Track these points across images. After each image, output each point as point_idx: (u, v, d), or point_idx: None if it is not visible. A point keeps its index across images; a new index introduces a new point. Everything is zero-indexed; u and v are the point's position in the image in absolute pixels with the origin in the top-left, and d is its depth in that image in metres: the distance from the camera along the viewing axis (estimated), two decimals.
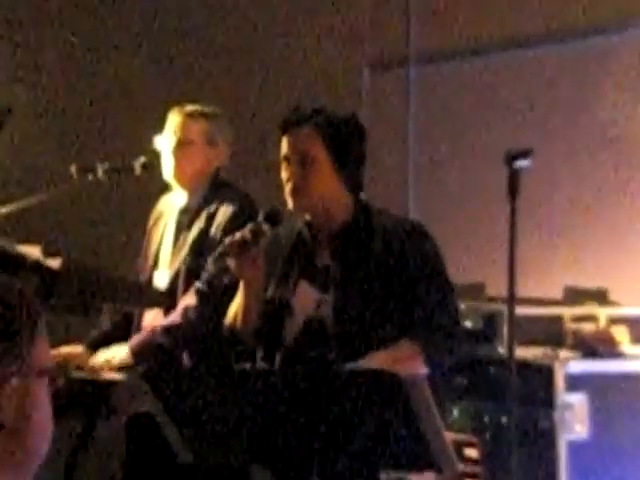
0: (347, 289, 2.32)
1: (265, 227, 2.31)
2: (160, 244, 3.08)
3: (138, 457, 3.09)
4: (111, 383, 2.81)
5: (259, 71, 4.28)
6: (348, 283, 2.32)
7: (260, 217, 2.34)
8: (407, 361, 2.24)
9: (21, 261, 2.35)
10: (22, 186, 3.43)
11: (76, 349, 3.01)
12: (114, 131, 4.20)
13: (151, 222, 3.16)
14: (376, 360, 2.20)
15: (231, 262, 2.33)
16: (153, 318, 3.00)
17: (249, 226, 2.33)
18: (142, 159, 3.05)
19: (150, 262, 3.07)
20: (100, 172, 3.03)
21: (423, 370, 2.26)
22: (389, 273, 2.31)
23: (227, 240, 2.32)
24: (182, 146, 2.99)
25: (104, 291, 2.61)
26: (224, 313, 2.46)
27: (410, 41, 4.02)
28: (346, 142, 2.37)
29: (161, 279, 3.02)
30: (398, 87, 4.04)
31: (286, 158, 2.38)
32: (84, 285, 2.48)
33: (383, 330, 2.28)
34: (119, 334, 3.04)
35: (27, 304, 1.19)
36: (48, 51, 4.45)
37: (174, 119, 3.03)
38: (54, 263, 2.42)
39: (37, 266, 2.36)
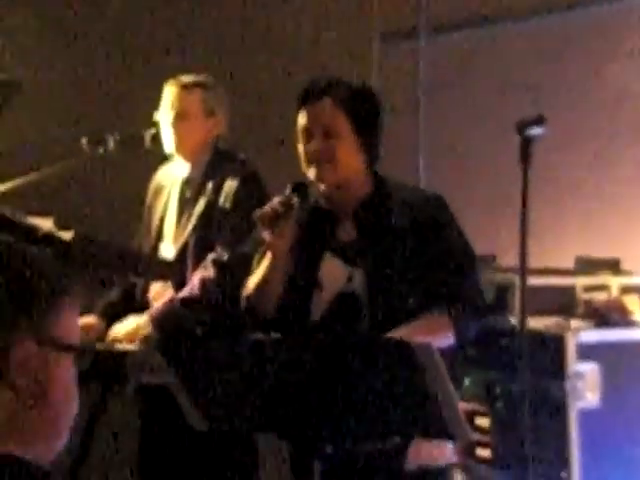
0: (377, 263, 2.31)
1: (294, 199, 2.30)
2: (163, 216, 3.09)
3: (152, 426, 3.12)
4: (124, 353, 2.83)
5: (269, 42, 4.25)
6: (377, 257, 2.32)
7: (288, 189, 2.32)
8: (438, 332, 2.27)
9: (33, 233, 2.36)
10: (33, 159, 3.44)
11: (90, 320, 3.02)
12: (124, 103, 4.19)
13: (150, 194, 3.15)
14: (408, 332, 2.22)
15: (265, 234, 2.30)
16: (159, 289, 3.01)
17: (279, 198, 2.31)
18: (152, 131, 3.05)
19: (154, 234, 3.07)
20: (111, 144, 3.04)
21: (451, 341, 2.28)
22: (414, 246, 2.31)
23: (258, 212, 2.30)
24: (181, 119, 2.99)
25: (115, 263, 2.62)
26: (242, 284, 2.46)
27: (420, 10, 3.98)
28: (368, 114, 2.37)
29: (167, 251, 3.03)
30: (408, 57, 4.01)
31: (306, 130, 2.35)
32: (96, 257, 2.49)
33: (413, 303, 2.30)
34: (127, 304, 3.05)
35: (49, 275, 1.17)
36: (58, 24, 4.44)
37: (170, 92, 3.03)
38: (66, 235, 2.43)
39: (49, 238, 2.37)
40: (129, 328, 2.93)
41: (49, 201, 3.55)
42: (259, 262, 2.42)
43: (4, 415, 1.13)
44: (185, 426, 2.11)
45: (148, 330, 2.91)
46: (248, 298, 2.40)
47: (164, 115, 3.02)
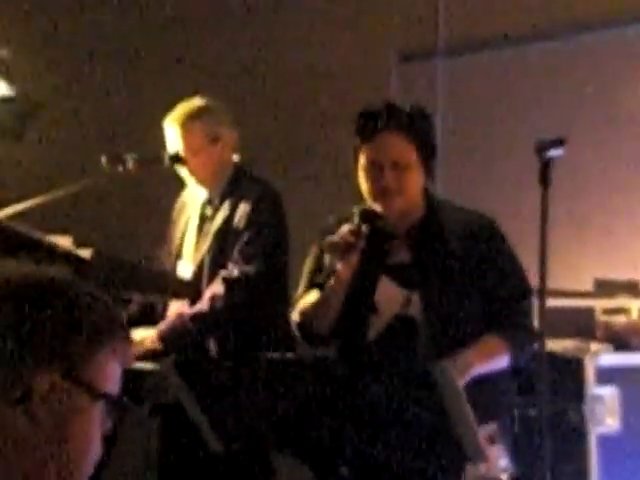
0: (434, 288, 2.33)
1: (364, 228, 2.29)
2: (183, 236, 3.11)
3: (169, 446, 3.11)
4: (142, 372, 2.83)
5: (285, 60, 4.27)
6: (434, 281, 2.33)
7: (356, 217, 2.32)
8: (497, 355, 2.30)
9: (52, 251, 2.37)
10: (53, 177, 3.46)
11: None
12: (144, 123, 4.22)
13: (175, 212, 3.18)
14: (469, 354, 2.25)
15: (337, 263, 2.31)
16: (179, 307, 3.02)
17: (349, 226, 2.31)
18: (171, 150, 3.07)
19: (173, 252, 3.09)
20: (130, 163, 3.05)
21: (505, 364, 2.32)
22: (470, 271, 2.33)
23: (327, 241, 2.30)
24: (191, 157, 3.01)
25: (134, 281, 2.63)
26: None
27: (439, 32, 3.99)
28: (429, 139, 2.38)
29: (185, 270, 3.04)
30: (426, 78, 4.02)
31: (375, 164, 2.34)
32: (114, 275, 2.50)
33: (469, 327, 2.31)
34: (145, 320, 3.06)
35: (97, 315, 1.12)
36: (80, 42, 4.47)
37: (171, 132, 3.03)
38: (85, 253, 2.44)
39: (68, 256, 2.37)
40: (135, 340, 2.94)
41: (68, 219, 3.56)
42: (310, 276, 2.42)
43: (17, 440, 1.08)
44: (202, 446, 2.10)
45: (154, 344, 2.92)
46: (303, 314, 2.41)
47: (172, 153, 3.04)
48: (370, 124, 2.35)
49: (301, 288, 2.48)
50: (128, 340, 1.16)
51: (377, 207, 2.36)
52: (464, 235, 2.35)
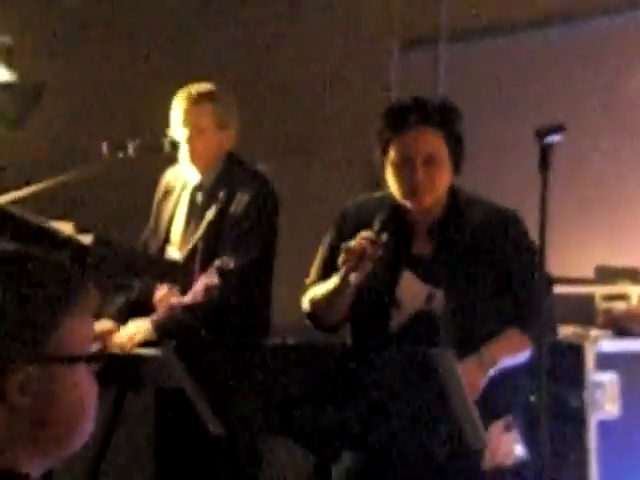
0: (456, 284, 2.32)
1: (383, 236, 2.26)
2: (171, 220, 3.09)
3: (169, 430, 3.12)
4: (143, 358, 2.84)
5: (286, 46, 4.26)
6: (456, 277, 2.33)
7: (376, 225, 2.28)
8: (519, 350, 2.32)
9: (54, 237, 2.37)
10: (54, 164, 3.46)
11: (106, 325, 3.03)
12: (144, 109, 4.21)
13: (160, 194, 3.15)
14: (493, 349, 2.27)
15: (344, 269, 2.26)
16: (165, 292, 3.01)
17: (367, 235, 2.26)
18: (171, 137, 3.06)
19: (161, 236, 3.08)
20: (131, 150, 3.05)
21: (526, 358, 2.33)
22: (491, 266, 2.33)
23: (345, 248, 2.26)
24: (194, 135, 3.00)
25: (135, 267, 2.63)
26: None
27: (440, 19, 3.98)
28: (458, 134, 2.36)
29: (174, 256, 3.04)
30: (428, 65, 4.01)
31: (407, 160, 2.31)
32: (115, 261, 2.50)
33: (490, 323, 2.32)
34: (143, 306, 3.06)
35: (49, 290, 1.09)
36: (82, 28, 4.46)
37: (180, 107, 3.02)
38: (86, 239, 2.45)
39: (69, 242, 2.38)
40: (129, 332, 2.94)
41: (69, 206, 3.57)
42: (323, 263, 2.41)
43: (3, 434, 1.08)
44: (201, 430, 2.11)
45: (146, 335, 2.92)
46: (313, 304, 2.40)
47: (177, 131, 3.03)
48: (401, 118, 2.31)
49: (313, 275, 2.46)
50: (89, 290, 1.13)
51: (409, 203, 2.33)
52: (486, 230, 2.34)
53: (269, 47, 4.29)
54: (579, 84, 3.66)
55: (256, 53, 4.30)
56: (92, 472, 2.86)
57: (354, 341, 2.42)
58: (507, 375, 2.33)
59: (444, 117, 2.34)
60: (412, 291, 2.35)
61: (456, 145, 2.35)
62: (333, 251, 2.39)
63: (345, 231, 2.38)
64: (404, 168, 2.31)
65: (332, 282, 2.34)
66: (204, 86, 3.06)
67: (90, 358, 1.13)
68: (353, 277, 2.27)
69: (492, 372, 2.29)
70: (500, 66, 3.87)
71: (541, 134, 2.02)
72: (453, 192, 2.39)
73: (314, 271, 2.46)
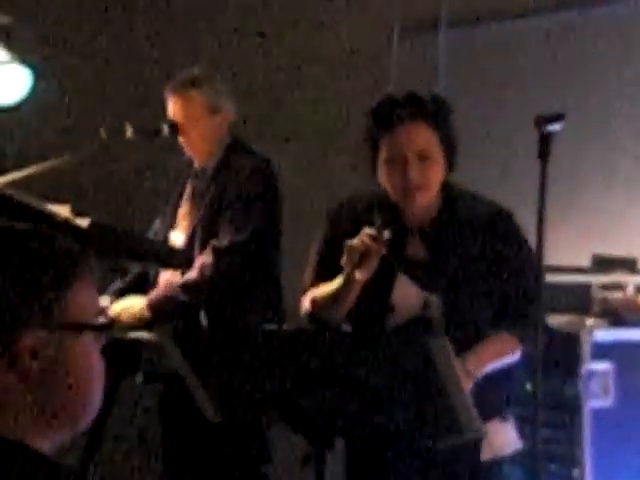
0: (453, 290, 2.29)
1: (386, 233, 2.20)
2: (177, 205, 3.11)
3: (165, 415, 3.13)
4: (139, 342, 2.85)
5: (286, 33, 4.24)
6: (452, 283, 2.29)
7: (378, 221, 2.22)
8: (508, 353, 2.30)
9: (50, 219, 2.37)
10: (52, 146, 3.45)
11: (104, 302, 3.04)
12: (143, 93, 4.20)
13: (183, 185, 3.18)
14: (480, 355, 2.25)
15: (349, 268, 2.22)
16: (169, 277, 3.04)
17: (369, 231, 2.20)
18: (170, 121, 3.06)
19: (167, 222, 3.11)
20: (129, 133, 3.05)
21: (516, 359, 2.32)
22: (485, 269, 2.30)
23: (348, 245, 2.20)
24: (188, 126, 3.00)
25: (131, 251, 2.63)
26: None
27: (441, 3, 3.97)
28: (451, 129, 2.29)
29: (177, 239, 3.06)
30: (428, 50, 4.00)
31: (399, 157, 2.23)
32: (112, 244, 2.51)
33: (485, 327, 2.30)
34: (140, 288, 3.08)
35: (57, 259, 1.14)
36: (81, 10, 4.45)
37: (171, 101, 3.03)
38: (83, 222, 2.45)
39: (66, 225, 2.38)
40: (125, 305, 2.97)
41: (66, 188, 3.56)
42: (319, 260, 2.36)
43: (14, 402, 1.11)
44: (199, 415, 2.11)
45: (142, 312, 2.94)
46: (314, 304, 2.35)
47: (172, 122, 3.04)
48: (391, 114, 2.24)
49: (309, 273, 2.40)
50: (92, 265, 1.18)
51: (402, 201, 2.28)
52: (480, 231, 2.30)
53: (273, 35, 4.27)
54: (580, 71, 3.65)
55: (256, 40, 4.29)
56: (87, 458, 2.87)
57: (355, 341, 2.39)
58: (502, 371, 2.32)
59: (437, 112, 2.26)
60: (408, 297, 2.31)
61: (449, 140, 2.28)
62: (328, 246, 2.34)
63: (340, 227, 2.34)
64: (397, 167, 2.24)
65: (336, 282, 2.29)
66: (188, 74, 3.05)
67: (97, 327, 1.16)
68: (358, 274, 2.22)
69: (479, 377, 2.25)
70: (500, 52, 3.86)
71: (540, 122, 2.02)
72: (447, 189, 2.33)
73: (310, 269, 2.40)
